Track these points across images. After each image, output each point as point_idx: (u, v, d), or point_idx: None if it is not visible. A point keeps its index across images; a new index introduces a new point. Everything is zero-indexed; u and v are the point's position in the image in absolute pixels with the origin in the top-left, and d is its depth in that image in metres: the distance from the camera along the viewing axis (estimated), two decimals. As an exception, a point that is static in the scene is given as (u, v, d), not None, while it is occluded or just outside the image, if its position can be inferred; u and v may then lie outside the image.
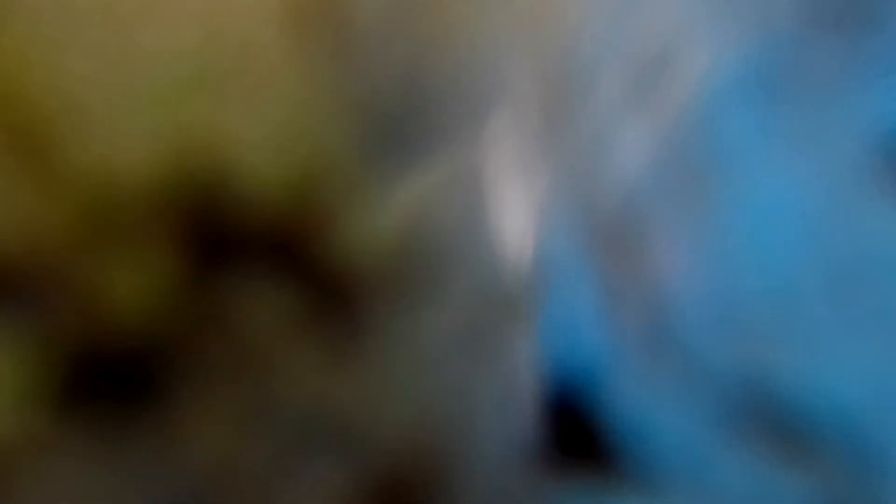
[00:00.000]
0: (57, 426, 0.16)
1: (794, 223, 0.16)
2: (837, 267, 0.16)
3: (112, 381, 0.16)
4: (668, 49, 0.17)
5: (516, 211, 0.18)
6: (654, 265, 0.17)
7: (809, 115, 0.16)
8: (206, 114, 0.17)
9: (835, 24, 0.16)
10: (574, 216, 0.17)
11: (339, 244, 0.17)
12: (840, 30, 0.16)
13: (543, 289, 0.17)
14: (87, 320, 0.16)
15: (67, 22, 0.16)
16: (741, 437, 0.16)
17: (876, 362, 0.16)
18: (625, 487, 0.17)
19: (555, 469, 0.17)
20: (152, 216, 0.17)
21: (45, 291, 0.16)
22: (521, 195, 0.18)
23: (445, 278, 0.18)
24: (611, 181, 0.17)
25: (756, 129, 0.17)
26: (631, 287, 0.17)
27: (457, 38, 0.18)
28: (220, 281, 0.17)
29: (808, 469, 0.16)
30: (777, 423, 0.16)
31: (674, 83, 0.17)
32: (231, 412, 0.17)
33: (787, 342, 0.16)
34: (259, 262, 0.17)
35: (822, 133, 0.16)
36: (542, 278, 0.17)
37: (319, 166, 0.17)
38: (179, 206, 0.17)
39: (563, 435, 0.17)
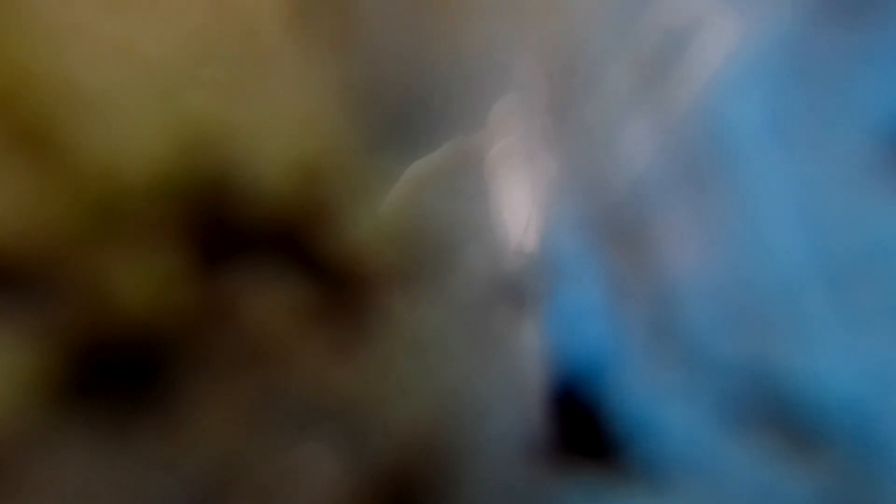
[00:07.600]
0: (64, 419, 0.16)
1: (800, 217, 0.16)
2: (843, 260, 0.16)
3: (119, 375, 0.17)
4: (676, 41, 0.17)
5: (521, 201, 0.18)
6: (659, 257, 0.17)
7: (816, 108, 0.16)
8: (210, 106, 0.17)
9: (843, 17, 0.16)
10: (580, 207, 0.17)
11: (345, 235, 0.17)
12: (848, 23, 0.16)
13: (549, 280, 0.17)
14: (93, 313, 0.16)
15: (71, 14, 0.16)
16: (746, 431, 0.16)
17: (881, 356, 0.16)
18: (629, 481, 0.17)
19: (559, 461, 0.17)
20: (158, 209, 0.17)
21: (51, 285, 0.16)
22: (527, 185, 0.18)
23: (450, 268, 0.18)
24: (618, 172, 0.17)
25: (763, 122, 0.16)
26: (637, 279, 0.17)
27: (462, 26, 0.18)
28: (225, 273, 0.17)
29: (812, 462, 0.16)
30: (782, 417, 0.16)
31: (681, 75, 0.17)
32: (237, 404, 0.17)
33: (793, 336, 0.16)
34: (265, 253, 0.17)
35: (829, 127, 0.16)
36: (547, 270, 0.17)
37: (324, 157, 0.17)
38: (185, 198, 0.17)
39: (568, 427, 0.17)
